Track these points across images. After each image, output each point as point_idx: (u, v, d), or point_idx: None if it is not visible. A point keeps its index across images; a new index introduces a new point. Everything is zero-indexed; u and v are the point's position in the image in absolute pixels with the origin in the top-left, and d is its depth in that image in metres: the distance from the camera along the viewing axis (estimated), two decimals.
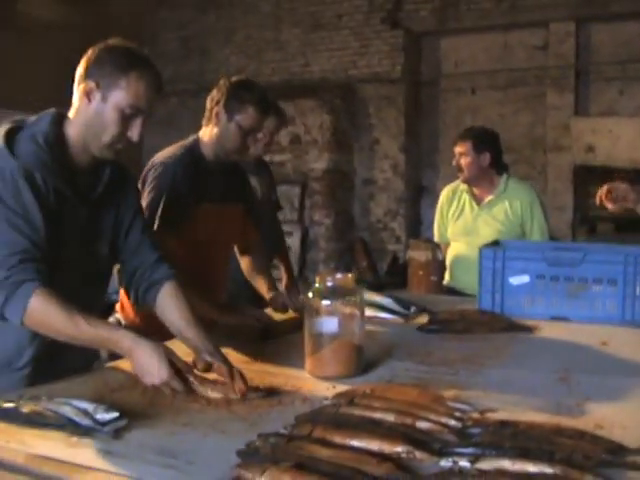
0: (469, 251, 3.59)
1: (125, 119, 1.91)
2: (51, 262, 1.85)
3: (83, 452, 1.43)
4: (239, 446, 1.41)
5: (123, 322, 2.69)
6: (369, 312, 2.74)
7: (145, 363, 1.76)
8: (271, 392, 1.84)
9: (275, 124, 3.49)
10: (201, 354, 1.92)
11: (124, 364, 2.05)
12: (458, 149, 3.79)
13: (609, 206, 2.90)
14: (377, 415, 1.56)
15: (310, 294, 2.07)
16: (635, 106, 8.00)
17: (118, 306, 2.74)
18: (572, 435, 1.44)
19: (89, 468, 1.36)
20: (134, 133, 1.94)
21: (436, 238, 4.09)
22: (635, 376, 2.07)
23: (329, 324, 2.03)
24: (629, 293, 2.79)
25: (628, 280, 2.79)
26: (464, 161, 3.76)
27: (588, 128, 7.93)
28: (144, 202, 2.51)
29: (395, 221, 9.01)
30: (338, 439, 1.41)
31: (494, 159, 3.79)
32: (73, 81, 1.96)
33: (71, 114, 1.97)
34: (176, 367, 1.77)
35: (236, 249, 2.98)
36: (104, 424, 1.53)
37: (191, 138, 2.72)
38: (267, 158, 3.87)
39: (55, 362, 2.01)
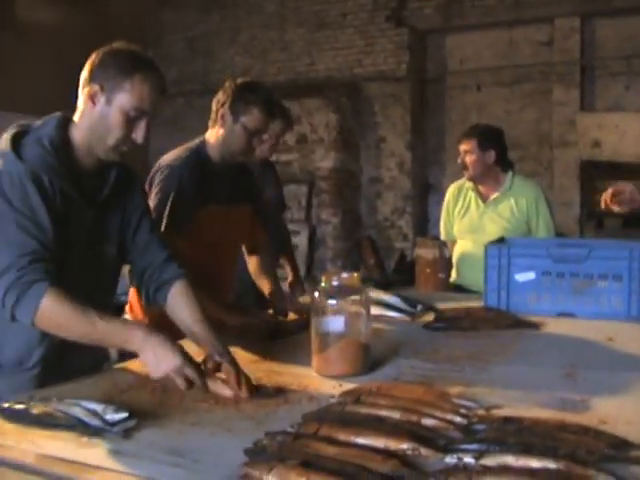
0: (475, 248, 3.60)
1: (130, 121, 1.93)
2: (59, 264, 1.88)
3: (93, 452, 1.45)
4: (247, 444, 1.42)
5: None
6: (376, 311, 2.76)
7: (158, 352, 1.78)
8: (278, 391, 1.86)
9: (281, 127, 3.52)
10: (211, 354, 1.93)
11: (133, 365, 2.08)
12: (463, 147, 3.81)
13: (615, 209, 2.88)
14: (383, 413, 1.57)
15: (316, 293, 2.09)
16: None
17: (127, 307, 2.77)
18: (576, 431, 1.45)
19: (99, 468, 1.37)
20: (139, 135, 1.96)
21: (442, 236, 4.10)
22: None
23: (335, 323, 2.04)
24: (635, 289, 2.79)
25: (633, 276, 2.79)
26: (469, 159, 3.77)
27: (594, 123, 7.92)
28: (151, 204, 2.53)
29: (402, 219, 9.01)
30: (344, 437, 1.42)
31: (499, 156, 3.80)
32: (74, 83, 1.98)
33: (76, 117, 1.99)
34: (188, 356, 1.79)
35: (244, 249, 3.00)
36: (113, 424, 1.54)
37: (197, 140, 2.74)
38: (274, 158, 3.89)
39: (64, 362, 2.03)
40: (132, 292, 2.67)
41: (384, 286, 3.55)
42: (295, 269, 4.05)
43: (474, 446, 1.38)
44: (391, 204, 9.04)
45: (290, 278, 3.99)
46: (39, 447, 1.47)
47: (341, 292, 2.07)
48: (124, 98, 1.91)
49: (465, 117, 8.60)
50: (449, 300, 3.22)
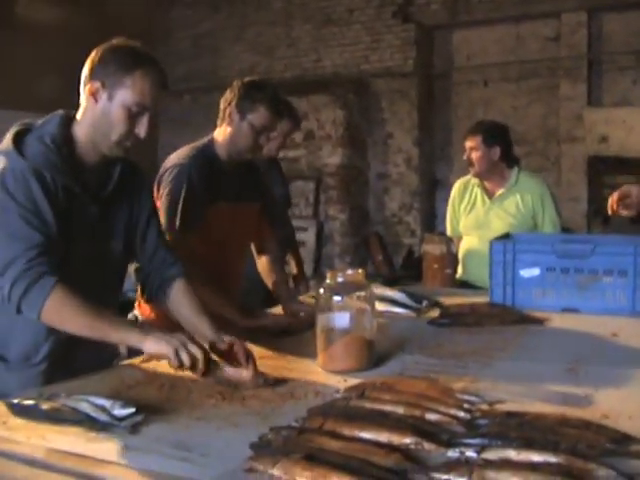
0: (481, 244, 3.61)
1: (132, 117, 1.95)
2: (63, 259, 1.91)
3: (101, 447, 1.47)
4: (252, 439, 1.45)
5: (140, 318, 2.75)
6: (382, 306, 2.78)
7: (161, 337, 1.83)
8: (279, 381, 1.92)
9: (289, 127, 3.54)
10: (216, 340, 2.00)
11: (140, 361, 2.11)
12: (468, 144, 3.81)
13: (623, 213, 2.87)
14: (387, 407, 1.59)
15: (322, 290, 2.11)
16: None
17: (136, 304, 2.79)
18: (577, 425, 1.46)
19: (108, 462, 1.40)
20: (141, 130, 1.97)
21: (449, 232, 4.11)
22: None
23: (341, 319, 2.06)
24: (639, 284, 2.80)
25: (638, 271, 2.80)
26: (475, 155, 3.78)
27: (601, 118, 7.90)
28: (162, 204, 2.57)
29: (410, 215, 9.02)
30: (348, 431, 1.44)
31: (504, 152, 3.80)
32: (75, 81, 2.00)
33: (79, 115, 2.01)
34: (192, 338, 1.86)
35: (253, 249, 3.02)
36: (121, 419, 1.57)
37: (205, 139, 2.76)
38: (281, 154, 3.91)
39: (71, 358, 2.06)
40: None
41: (392, 282, 3.57)
42: (300, 265, 4.08)
43: (476, 440, 1.40)
44: (398, 200, 9.05)
45: (295, 273, 4.02)
46: (49, 442, 1.50)
47: (346, 288, 2.08)
48: (125, 94, 1.93)
49: (472, 113, 8.59)
50: (455, 296, 3.24)
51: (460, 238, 4.00)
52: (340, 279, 2.11)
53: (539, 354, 2.27)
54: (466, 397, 1.70)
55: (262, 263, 3.00)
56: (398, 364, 2.12)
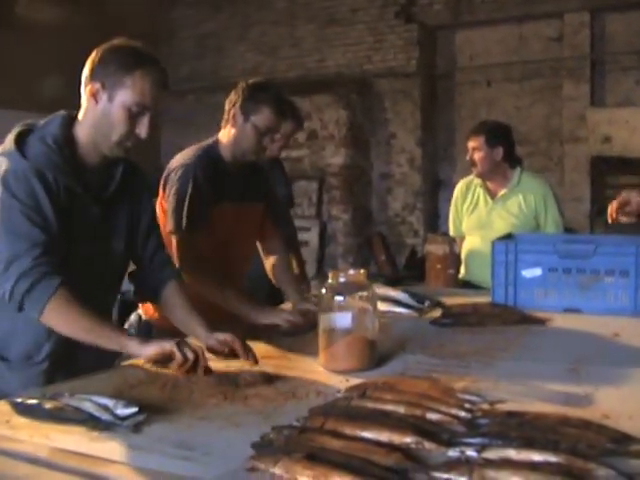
0: (484, 245, 3.61)
1: (132, 117, 1.95)
2: (64, 258, 1.92)
3: (104, 446, 1.48)
4: (254, 438, 1.45)
5: (144, 317, 2.77)
6: (384, 306, 2.79)
7: (159, 340, 1.93)
8: (279, 377, 1.96)
9: (292, 127, 3.55)
10: (209, 340, 2.07)
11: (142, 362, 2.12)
12: (471, 144, 3.82)
13: (623, 220, 2.87)
14: (388, 407, 1.59)
15: (324, 290, 2.12)
16: None
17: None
18: (577, 425, 1.47)
19: (110, 461, 1.40)
20: (142, 131, 1.98)
21: (451, 232, 4.12)
22: None
23: (342, 319, 2.07)
24: None
25: None
26: (477, 156, 3.79)
27: (604, 119, 7.89)
28: (169, 205, 2.58)
29: (413, 215, 9.02)
30: (349, 431, 1.45)
31: (507, 153, 3.81)
32: (75, 81, 2.02)
33: (80, 115, 2.02)
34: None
35: (260, 249, 3.04)
36: (124, 419, 1.58)
37: (210, 140, 2.77)
38: (284, 154, 3.92)
39: (73, 357, 2.07)
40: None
41: (395, 282, 3.57)
42: (301, 265, 4.09)
43: (477, 440, 1.40)
44: (401, 200, 9.05)
45: (296, 274, 4.02)
46: (52, 441, 1.50)
47: (348, 288, 2.09)
48: (125, 94, 1.93)
49: (475, 113, 8.60)
50: (457, 296, 3.24)
51: (463, 238, 4.01)
52: (342, 279, 2.12)
53: (541, 354, 2.27)
54: (467, 397, 1.70)
55: (269, 263, 3.02)
56: (400, 364, 2.12)
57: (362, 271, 2.15)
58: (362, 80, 9.03)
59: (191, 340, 2.10)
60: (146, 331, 2.72)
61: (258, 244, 3.03)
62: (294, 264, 4.07)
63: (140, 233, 2.21)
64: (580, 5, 7.99)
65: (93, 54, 1.98)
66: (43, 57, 7.98)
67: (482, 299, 3.08)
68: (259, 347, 2.30)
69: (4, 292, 1.83)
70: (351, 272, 2.15)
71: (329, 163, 8.94)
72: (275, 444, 1.42)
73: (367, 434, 1.43)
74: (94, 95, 1.95)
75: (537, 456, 1.30)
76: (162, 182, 2.68)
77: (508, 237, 3.32)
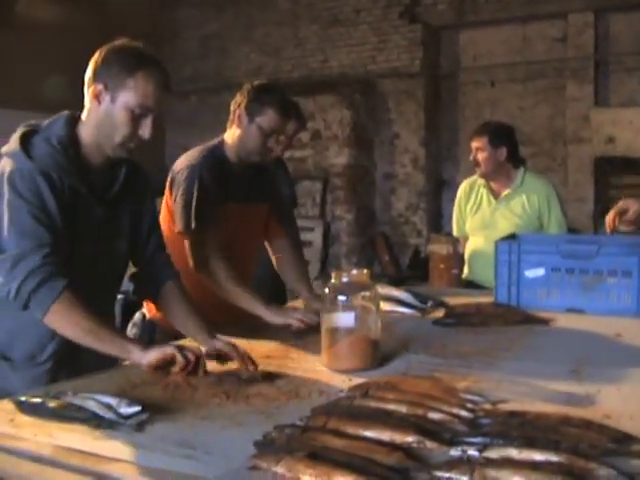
0: (487, 245, 3.61)
1: (135, 119, 1.95)
2: (68, 258, 1.93)
3: (108, 444, 1.48)
4: (256, 437, 1.45)
5: (148, 316, 2.78)
6: (387, 306, 2.79)
7: (159, 345, 1.94)
8: (270, 375, 1.98)
9: (295, 128, 3.54)
10: (208, 343, 2.08)
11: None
12: (474, 144, 3.83)
13: (622, 229, 2.87)
14: (390, 406, 1.60)
15: (327, 289, 2.12)
16: None
17: (145, 302, 2.81)
18: (579, 425, 1.47)
19: (114, 459, 1.41)
20: (145, 132, 1.98)
21: (455, 232, 4.13)
22: None
23: (345, 319, 2.07)
24: None
25: None
26: (481, 156, 3.79)
27: (608, 119, 7.88)
28: (177, 206, 2.59)
29: (416, 215, 9.02)
30: (351, 430, 1.45)
31: (510, 153, 3.82)
32: (77, 81, 2.02)
33: (83, 116, 2.02)
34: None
35: (269, 249, 3.04)
36: (127, 417, 1.58)
37: (215, 140, 2.77)
38: (287, 154, 3.92)
39: (76, 357, 2.08)
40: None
41: (398, 282, 3.58)
42: (304, 266, 4.10)
43: (478, 439, 1.41)
44: (405, 200, 9.05)
45: None
46: (55, 439, 1.51)
47: (351, 288, 2.10)
48: (128, 96, 1.93)
49: (479, 113, 8.59)
50: (460, 296, 3.25)
51: (466, 238, 4.01)
52: (345, 279, 2.12)
53: (543, 354, 2.27)
54: (469, 396, 1.71)
55: (279, 262, 3.03)
56: (403, 363, 2.13)
57: (365, 271, 2.16)
58: (366, 80, 9.03)
59: (190, 342, 2.12)
60: (150, 330, 2.73)
61: (266, 244, 3.04)
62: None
63: (142, 233, 2.22)
64: (584, 5, 7.99)
65: (96, 55, 1.98)
66: (43, 57, 8.00)
67: (485, 299, 3.08)
68: (261, 347, 2.32)
69: (10, 290, 1.84)
70: (354, 272, 2.15)
71: (333, 163, 8.94)
72: (277, 443, 1.42)
73: (369, 433, 1.44)
74: (97, 96, 1.95)
75: (538, 456, 1.31)
76: (168, 183, 2.69)
77: (511, 237, 3.32)
